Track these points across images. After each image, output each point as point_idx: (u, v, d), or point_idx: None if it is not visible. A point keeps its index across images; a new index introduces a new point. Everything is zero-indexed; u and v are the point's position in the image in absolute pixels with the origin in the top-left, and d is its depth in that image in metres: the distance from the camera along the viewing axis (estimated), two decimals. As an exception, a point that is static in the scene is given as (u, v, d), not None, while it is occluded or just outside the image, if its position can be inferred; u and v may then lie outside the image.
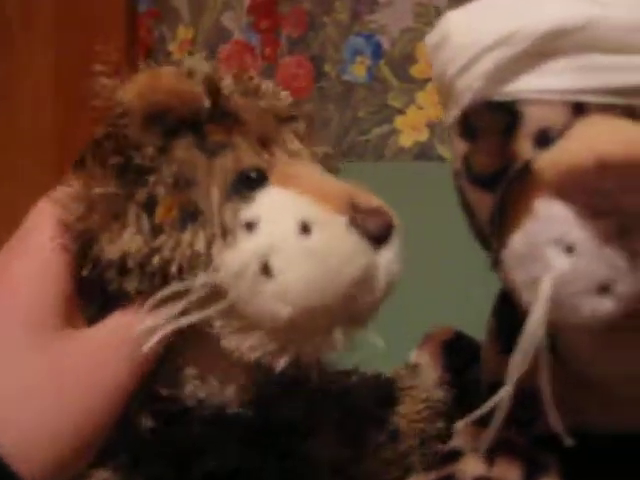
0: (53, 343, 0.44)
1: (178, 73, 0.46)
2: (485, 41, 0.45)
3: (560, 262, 0.39)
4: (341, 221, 0.43)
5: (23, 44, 1.48)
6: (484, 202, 0.47)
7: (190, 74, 0.46)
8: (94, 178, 0.45)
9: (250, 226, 0.43)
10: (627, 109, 0.43)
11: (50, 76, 1.47)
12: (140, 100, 0.44)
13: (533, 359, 0.55)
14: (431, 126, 1.23)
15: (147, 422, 0.47)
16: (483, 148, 0.47)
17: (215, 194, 0.44)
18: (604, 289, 0.39)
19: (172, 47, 1.44)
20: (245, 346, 0.44)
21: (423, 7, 1.21)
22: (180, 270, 0.43)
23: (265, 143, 0.47)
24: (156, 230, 0.43)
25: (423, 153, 1.23)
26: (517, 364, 0.41)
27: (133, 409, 0.46)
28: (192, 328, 0.44)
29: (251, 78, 0.51)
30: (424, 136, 1.23)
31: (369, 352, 0.49)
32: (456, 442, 0.57)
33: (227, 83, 0.48)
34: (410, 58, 1.24)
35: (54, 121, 1.46)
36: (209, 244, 0.43)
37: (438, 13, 1.19)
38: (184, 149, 0.45)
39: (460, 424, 0.47)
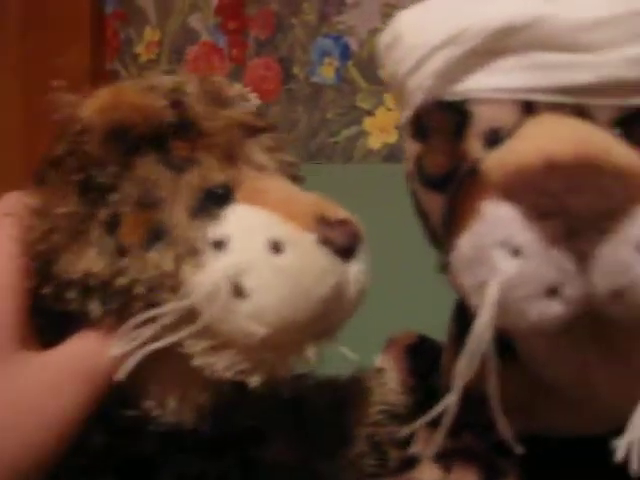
0: (8, 366, 0.42)
1: (140, 88, 0.45)
2: (435, 40, 0.45)
3: (507, 265, 0.38)
4: (311, 239, 0.42)
5: (-11, 46, 1.46)
6: (436, 204, 0.46)
7: (152, 88, 0.46)
8: (56, 195, 0.44)
9: (219, 245, 0.43)
10: (577, 108, 0.42)
11: (16, 77, 1.45)
12: (100, 117, 0.43)
13: (500, 365, 0.55)
14: (400, 128, 1.22)
15: (100, 437, 0.46)
16: (434, 149, 0.46)
17: (181, 212, 0.43)
18: (552, 292, 0.38)
19: (139, 49, 1.42)
20: (218, 365, 0.44)
21: (391, 8, 1.20)
22: (148, 291, 0.42)
23: (231, 157, 0.46)
24: (120, 250, 0.42)
25: (392, 155, 1.22)
26: (463, 369, 0.40)
27: (87, 424, 0.45)
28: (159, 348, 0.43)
29: (217, 85, 0.50)
30: (393, 138, 1.22)
31: (335, 360, 0.49)
32: (414, 448, 0.56)
33: (192, 91, 0.47)
34: (378, 59, 1.22)
35: (21, 122, 1.44)
36: (177, 264, 0.42)
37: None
38: (148, 166, 0.44)
39: (405, 430, 0.46)
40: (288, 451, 0.55)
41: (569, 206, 0.36)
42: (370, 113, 1.24)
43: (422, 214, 0.49)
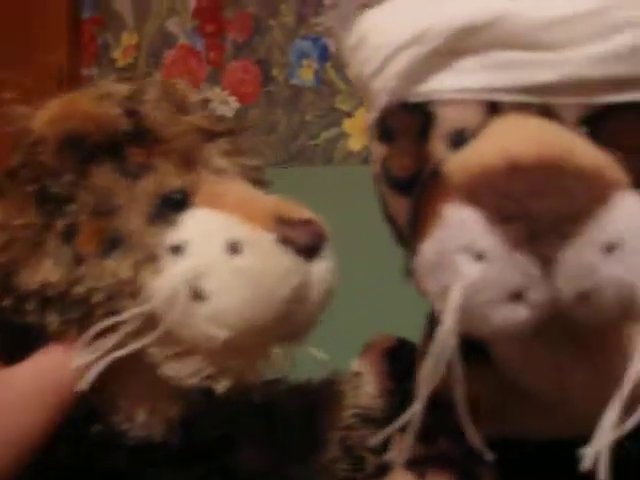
0: None
1: (93, 97, 0.45)
2: (398, 41, 0.44)
3: (470, 270, 0.37)
4: (270, 238, 0.42)
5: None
6: (402, 207, 0.45)
7: (107, 96, 0.45)
8: (13, 207, 0.44)
9: (177, 250, 0.42)
10: (542, 107, 0.41)
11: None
12: (53, 127, 0.43)
13: (473, 370, 0.54)
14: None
15: (68, 452, 0.46)
16: (400, 151, 0.45)
17: (138, 219, 0.43)
18: (516, 297, 0.37)
19: (116, 54, 1.41)
20: (183, 372, 0.43)
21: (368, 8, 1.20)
22: (107, 299, 0.42)
23: (189, 162, 0.46)
24: (77, 259, 0.42)
25: (373, 156, 1.21)
26: (427, 376, 0.40)
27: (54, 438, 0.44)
28: (124, 358, 0.43)
29: (179, 90, 0.49)
30: (373, 139, 1.21)
31: (311, 363, 0.49)
32: (389, 454, 0.55)
33: (150, 98, 0.47)
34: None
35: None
36: (135, 271, 0.42)
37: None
38: (103, 175, 0.44)
39: (378, 436, 0.45)
40: (260, 457, 0.55)
41: (532, 209, 0.36)
42: (350, 115, 1.23)
43: (389, 217, 0.48)
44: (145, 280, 0.42)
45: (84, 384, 0.42)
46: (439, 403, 0.44)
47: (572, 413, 0.49)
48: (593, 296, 0.37)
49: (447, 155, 0.42)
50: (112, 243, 0.42)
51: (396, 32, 0.45)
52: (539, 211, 0.35)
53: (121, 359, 0.43)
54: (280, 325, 0.43)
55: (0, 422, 0.41)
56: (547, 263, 0.37)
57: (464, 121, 0.42)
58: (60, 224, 0.43)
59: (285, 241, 0.42)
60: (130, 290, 0.42)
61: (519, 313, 0.37)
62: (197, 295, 0.41)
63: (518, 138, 0.37)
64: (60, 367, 0.42)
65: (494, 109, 0.42)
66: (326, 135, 1.25)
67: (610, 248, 0.36)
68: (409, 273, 0.41)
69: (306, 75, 1.26)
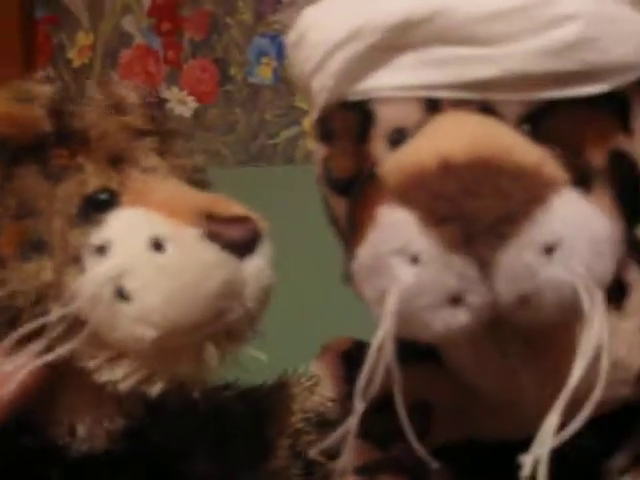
0: None
1: (15, 98, 0.44)
2: (336, 37, 0.43)
3: (405, 274, 0.36)
4: (194, 234, 0.41)
5: None
6: (342, 209, 0.44)
7: (31, 98, 0.45)
8: None
9: (101, 250, 0.42)
10: (482, 104, 0.40)
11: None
12: None
13: (426, 373, 0.53)
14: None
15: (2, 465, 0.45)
16: (339, 151, 0.44)
17: (60, 221, 0.42)
18: (455, 300, 0.36)
19: (72, 54, 1.39)
20: (116, 376, 0.43)
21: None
22: (32, 303, 0.41)
23: (117, 161, 0.46)
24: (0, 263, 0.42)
25: (334, 155, 1.20)
26: (364, 381, 0.39)
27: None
28: (62, 367, 0.43)
29: (113, 89, 0.49)
30: (334, 137, 1.20)
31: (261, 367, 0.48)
32: (342, 460, 0.54)
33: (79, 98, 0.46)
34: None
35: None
36: (58, 273, 0.41)
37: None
38: (26, 177, 0.43)
39: (327, 441, 0.44)
40: (209, 466, 0.54)
41: (466, 210, 0.35)
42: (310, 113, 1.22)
43: (332, 219, 0.47)
44: (69, 282, 0.41)
45: (10, 388, 0.41)
46: (393, 407, 0.43)
47: (525, 414, 0.48)
48: (533, 299, 0.36)
49: (386, 155, 0.41)
50: (34, 246, 0.42)
51: (334, 29, 0.44)
52: (474, 211, 0.34)
53: (58, 373, 0.43)
54: (212, 323, 0.42)
55: None
56: (485, 265, 0.36)
57: (403, 120, 0.41)
58: None
59: (211, 236, 0.41)
60: (54, 293, 0.41)
61: (459, 317, 0.37)
62: (121, 295, 0.41)
63: (452, 137, 0.36)
64: None
65: (434, 107, 0.41)
66: (286, 134, 1.24)
67: (549, 249, 0.35)
68: (348, 278, 0.40)
69: (265, 73, 1.25)
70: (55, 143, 0.44)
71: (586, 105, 0.41)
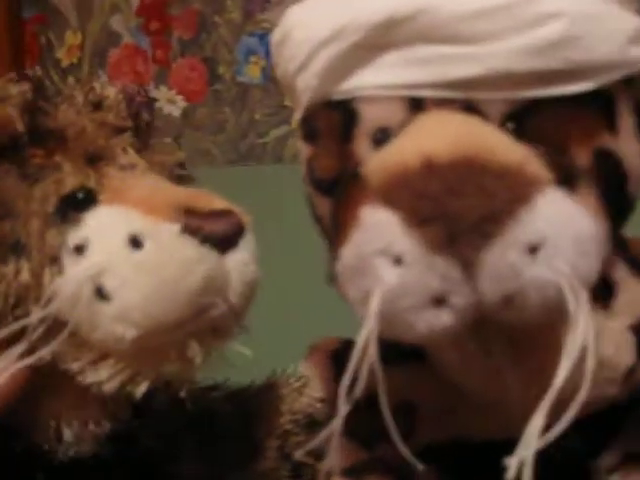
0: None
1: None
2: (320, 36, 0.43)
3: (389, 275, 0.35)
4: (172, 229, 0.41)
5: None
6: (327, 209, 0.44)
7: (3, 98, 0.44)
8: None
9: (79, 249, 0.41)
10: (466, 103, 0.40)
11: None
12: None
13: (410, 374, 0.53)
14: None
15: None
16: (323, 151, 0.44)
17: (37, 222, 0.42)
18: (439, 301, 0.36)
19: (60, 53, 1.38)
20: (100, 377, 0.42)
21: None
22: (12, 305, 0.41)
23: (95, 159, 0.45)
24: None
25: (323, 154, 1.20)
26: (348, 382, 0.38)
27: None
28: (46, 370, 0.42)
29: (93, 87, 0.48)
30: (324, 136, 1.20)
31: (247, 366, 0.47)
32: (327, 462, 0.54)
33: (54, 96, 0.46)
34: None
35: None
36: (37, 274, 0.41)
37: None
38: (2, 178, 0.43)
39: (314, 441, 0.44)
40: (197, 467, 0.54)
41: (450, 209, 0.34)
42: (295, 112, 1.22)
43: (317, 219, 0.46)
44: (48, 283, 0.41)
45: None
46: (379, 408, 0.43)
47: (511, 415, 0.48)
48: (517, 299, 0.36)
49: (370, 155, 0.41)
50: (11, 248, 0.41)
51: (318, 28, 0.43)
52: (457, 211, 0.34)
53: (42, 376, 0.42)
54: (194, 320, 0.41)
55: None
56: (469, 265, 0.35)
57: (387, 119, 0.41)
58: None
59: (190, 231, 0.41)
60: (34, 294, 0.41)
61: (443, 318, 0.36)
62: (101, 294, 0.40)
63: (436, 136, 0.36)
64: None
65: (417, 106, 0.41)
66: (276, 133, 1.24)
67: (533, 249, 0.35)
68: (332, 278, 0.40)
69: (253, 72, 1.25)
70: (31, 143, 0.43)
71: (571, 104, 0.40)
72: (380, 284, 0.36)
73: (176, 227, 0.41)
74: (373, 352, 0.37)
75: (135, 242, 0.41)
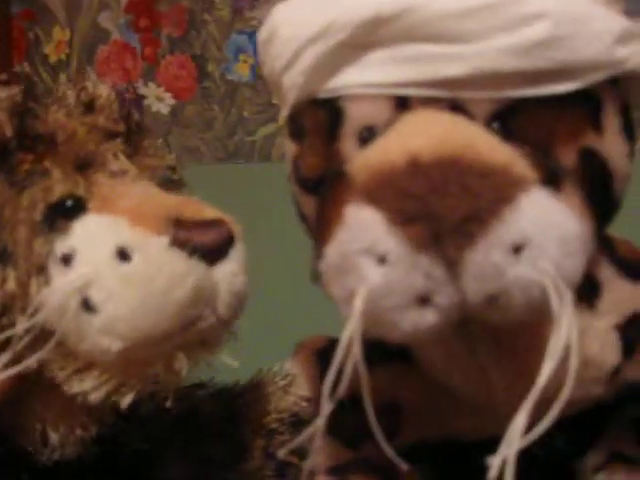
0: None
1: None
2: (306, 34, 0.42)
3: (373, 274, 0.35)
4: (160, 242, 0.40)
5: None
6: (312, 208, 0.44)
7: None
8: None
9: (66, 259, 0.41)
10: (452, 102, 0.40)
11: None
12: None
13: (395, 373, 0.53)
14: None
15: None
16: (309, 149, 0.44)
17: (24, 230, 0.41)
18: (423, 301, 0.36)
19: (48, 49, 1.37)
20: (85, 387, 0.42)
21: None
22: None
23: (85, 166, 0.44)
24: None
25: (312, 152, 1.20)
26: (331, 381, 0.38)
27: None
28: (33, 376, 0.42)
29: (86, 90, 0.47)
30: (312, 135, 1.20)
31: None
32: (310, 461, 0.54)
33: (44, 100, 0.45)
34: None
35: None
36: (23, 283, 0.40)
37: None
38: None
39: (297, 440, 0.44)
40: (183, 467, 0.54)
41: (434, 209, 0.34)
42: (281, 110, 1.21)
43: (303, 218, 0.46)
44: (34, 292, 0.40)
45: None
46: (364, 407, 0.43)
47: (497, 414, 0.48)
48: (501, 298, 0.36)
49: (356, 153, 0.41)
50: None
51: (304, 26, 0.43)
52: (441, 211, 0.34)
53: (29, 382, 0.42)
54: (182, 332, 0.41)
55: None
56: (453, 265, 0.35)
57: (373, 117, 0.41)
58: None
59: (179, 244, 0.40)
60: (20, 304, 0.40)
61: (427, 317, 0.36)
62: (87, 306, 0.40)
63: (421, 135, 0.35)
64: None
65: (403, 104, 0.40)
66: (264, 131, 1.23)
67: (517, 248, 0.35)
68: (317, 277, 0.40)
69: (242, 70, 1.24)
70: (19, 147, 0.43)
71: (556, 103, 0.40)
72: (364, 283, 0.36)
73: (165, 240, 0.40)
74: (357, 351, 0.37)
75: (123, 255, 0.40)
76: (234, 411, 0.57)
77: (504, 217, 0.35)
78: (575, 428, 0.53)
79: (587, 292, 0.48)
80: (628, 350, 0.49)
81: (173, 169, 0.50)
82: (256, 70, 1.23)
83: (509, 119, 0.40)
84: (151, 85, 1.29)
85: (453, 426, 0.54)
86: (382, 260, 0.35)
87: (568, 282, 0.36)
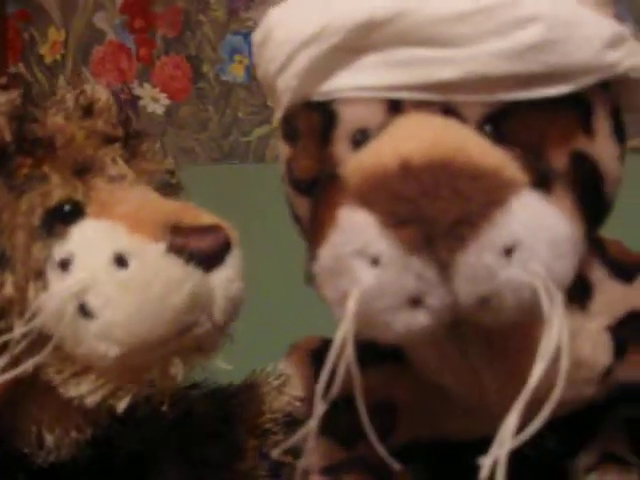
0: None
1: None
2: (300, 37, 0.43)
3: (366, 275, 0.36)
4: (158, 249, 0.41)
5: None
6: (305, 210, 0.44)
7: None
8: None
9: (64, 264, 0.41)
10: (444, 106, 0.40)
11: None
12: None
13: (389, 373, 0.54)
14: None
15: None
16: (302, 152, 0.44)
17: (23, 234, 0.41)
18: (415, 302, 0.36)
19: (43, 50, 1.37)
20: (82, 391, 0.42)
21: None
22: None
23: (84, 170, 0.44)
24: None
25: (306, 153, 1.20)
26: (325, 382, 0.39)
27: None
28: (29, 379, 0.42)
29: (83, 91, 0.48)
30: (307, 136, 1.20)
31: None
32: (304, 461, 0.54)
33: (42, 104, 0.45)
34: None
35: None
36: (21, 288, 0.41)
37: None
38: None
39: (291, 441, 0.44)
40: (177, 469, 0.54)
41: (426, 211, 0.34)
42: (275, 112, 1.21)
43: (296, 219, 0.47)
44: (32, 297, 0.41)
45: None
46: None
47: (490, 414, 0.49)
48: (493, 300, 0.36)
49: (349, 156, 0.41)
50: None
51: (299, 29, 0.43)
52: (433, 213, 0.34)
53: (25, 385, 0.42)
54: (178, 338, 0.41)
55: None
56: (445, 267, 0.36)
57: (366, 120, 0.41)
58: None
59: (176, 250, 0.40)
60: (18, 308, 0.41)
61: (419, 319, 0.36)
62: (84, 311, 0.40)
63: (413, 138, 0.36)
64: None
65: (396, 108, 0.41)
66: (259, 132, 1.24)
67: (508, 251, 0.35)
68: (310, 278, 0.40)
69: (237, 71, 1.24)
70: (19, 151, 0.43)
71: (548, 107, 0.41)
72: (357, 285, 0.36)
73: (162, 246, 0.41)
74: (350, 352, 0.37)
75: (120, 261, 0.40)
76: (228, 411, 0.57)
77: (495, 220, 0.35)
78: (567, 428, 0.53)
79: (579, 293, 0.48)
80: (620, 351, 0.49)
81: (171, 173, 0.50)
82: (251, 71, 1.24)
83: (501, 122, 0.40)
84: (146, 86, 1.30)
85: (446, 426, 0.55)
86: (375, 262, 0.35)
87: (559, 284, 0.37)
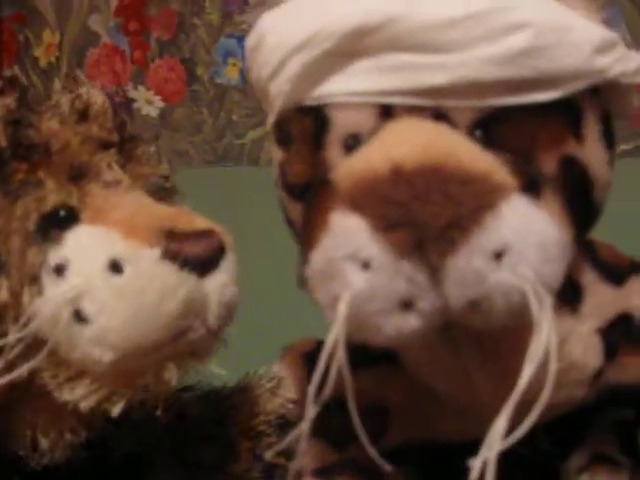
0: None
1: None
2: (293, 42, 0.43)
3: (357, 279, 0.36)
4: (152, 254, 0.41)
5: None
6: (298, 214, 0.44)
7: None
8: None
9: (59, 269, 0.41)
10: (435, 111, 0.40)
11: None
12: None
13: (381, 376, 0.54)
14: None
15: None
16: (295, 156, 0.44)
17: (18, 240, 0.41)
18: (406, 306, 0.36)
19: (38, 52, 1.38)
20: (76, 396, 0.42)
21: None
22: None
23: (79, 176, 0.45)
24: None
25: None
26: (316, 385, 0.39)
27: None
28: (23, 383, 0.42)
29: (79, 95, 0.48)
30: (301, 138, 1.20)
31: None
32: (296, 463, 0.54)
33: (39, 109, 0.45)
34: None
35: None
36: (16, 293, 0.41)
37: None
38: None
39: (283, 442, 0.44)
40: (171, 472, 0.54)
41: (416, 215, 0.35)
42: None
43: (289, 223, 0.47)
44: (27, 302, 0.41)
45: None
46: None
47: (482, 416, 0.49)
48: (483, 304, 0.37)
49: (341, 161, 0.41)
50: None
51: (291, 34, 0.43)
52: (424, 217, 0.35)
53: (19, 388, 0.42)
54: (172, 344, 0.41)
55: None
56: (436, 271, 0.36)
57: (358, 125, 0.42)
58: None
59: (170, 256, 0.41)
60: (13, 313, 0.41)
61: (410, 322, 0.37)
62: (79, 317, 0.40)
63: (404, 143, 0.36)
64: None
65: (388, 113, 0.41)
66: (253, 135, 1.24)
67: (498, 255, 0.36)
68: (303, 282, 0.40)
69: (231, 74, 1.25)
70: (14, 157, 0.43)
71: (538, 112, 0.41)
72: (348, 288, 0.36)
73: (156, 252, 0.41)
74: (341, 355, 0.37)
75: (115, 267, 0.41)
76: (222, 414, 0.57)
77: (485, 224, 0.36)
78: (559, 430, 0.53)
79: (570, 296, 0.48)
80: (610, 353, 0.49)
81: (166, 177, 0.50)
82: (245, 74, 1.24)
83: (491, 127, 0.41)
84: (140, 88, 1.30)
85: (438, 428, 0.55)
86: (366, 266, 0.36)
87: (548, 287, 0.37)
